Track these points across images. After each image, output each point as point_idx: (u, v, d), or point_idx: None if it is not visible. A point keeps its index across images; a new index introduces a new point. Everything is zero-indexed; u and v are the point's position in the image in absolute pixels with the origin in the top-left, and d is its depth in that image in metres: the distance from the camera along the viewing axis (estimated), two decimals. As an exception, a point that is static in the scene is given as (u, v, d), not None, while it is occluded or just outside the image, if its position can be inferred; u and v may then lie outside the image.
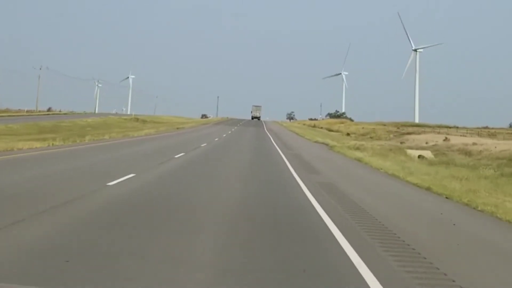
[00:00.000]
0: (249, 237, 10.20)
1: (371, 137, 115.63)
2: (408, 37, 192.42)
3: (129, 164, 23.85)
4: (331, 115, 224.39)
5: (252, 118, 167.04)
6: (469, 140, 69.81)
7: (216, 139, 54.39)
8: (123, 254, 8.27)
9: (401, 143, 78.38)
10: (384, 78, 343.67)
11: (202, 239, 9.74)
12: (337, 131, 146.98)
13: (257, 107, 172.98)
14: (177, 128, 78.75)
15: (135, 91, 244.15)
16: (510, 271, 9.56)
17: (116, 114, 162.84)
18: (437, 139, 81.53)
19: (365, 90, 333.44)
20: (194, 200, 14.69)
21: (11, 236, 9.07)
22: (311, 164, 32.22)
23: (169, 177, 20.24)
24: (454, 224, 13.68)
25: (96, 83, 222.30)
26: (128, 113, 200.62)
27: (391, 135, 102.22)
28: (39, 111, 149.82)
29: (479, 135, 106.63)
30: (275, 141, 58.02)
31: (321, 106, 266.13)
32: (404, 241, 10.70)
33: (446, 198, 19.23)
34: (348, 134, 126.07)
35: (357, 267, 8.44)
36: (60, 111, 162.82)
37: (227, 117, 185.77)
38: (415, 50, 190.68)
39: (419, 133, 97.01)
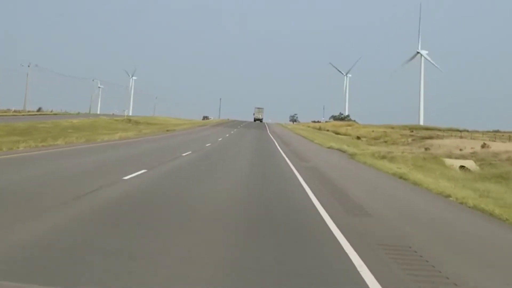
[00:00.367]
0: None
1: (385, 141, 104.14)
2: (419, 36, 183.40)
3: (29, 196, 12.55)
4: (335, 118, 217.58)
5: (255, 120, 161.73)
6: (509, 146, 58.64)
7: (208, 144, 43.02)
8: None
9: (426, 149, 67.05)
10: (386, 80, 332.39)
11: None
12: (344, 134, 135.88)
13: (260, 109, 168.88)
14: (167, 131, 67.39)
15: (136, 92, 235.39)
16: None
17: (113, 115, 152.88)
18: (467, 144, 70.26)
19: (367, 92, 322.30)
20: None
21: None
22: (340, 185, 20.81)
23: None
24: None
25: (98, 85, 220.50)
26: (130, 114, 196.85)
27: (409, 139, 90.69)
28: (28, 111, 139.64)
29: (500, 139, 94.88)
30: (281, 147, 46.94)
31: (324, 108, 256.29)
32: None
33: None
34: (358, 138, 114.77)
35: None
36: (51, 111, 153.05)
37: (228, 119, 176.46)
38: (419, 53, 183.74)
39: (441, 138, 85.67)
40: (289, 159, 33.76)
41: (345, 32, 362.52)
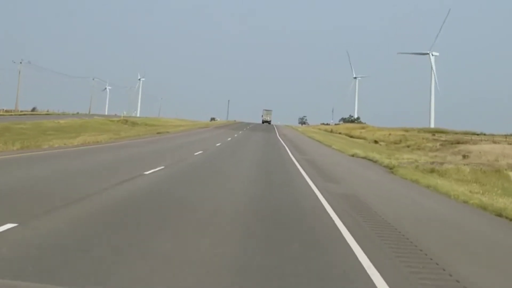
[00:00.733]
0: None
1: (407, 146, 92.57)
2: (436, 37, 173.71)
3: None
4: (344, 120, 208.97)
5: (263, 122, 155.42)
6: None
7: (198, 153, 31.78)
8: None
9: (464, 157, 55.88)
10: (393, 81, 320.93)
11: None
12: (358, 137, 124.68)
13: (268, 111, 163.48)
14: (158, 133, 56.41)
15: (144, 93, 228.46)
16: None
17: (115, 115, 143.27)
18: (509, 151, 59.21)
19: (375, 94, 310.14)
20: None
21: None
22: (422, 247, 9.95)
23: None
24: None
25: (107, 86, 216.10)
26: (138, 115, 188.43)
27: (438, 145, 79.29)
28: (21, 111, 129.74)
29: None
30: (294, 155, 36.13)
31: (333, 111, 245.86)
32: None
33: None
34: (376, 142, 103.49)
35: None
36: (47, 111, 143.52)
37: (234, 120, 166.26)
38: (428, 53, 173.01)
39: (474, 143, 74.46)
40: (308, 175, 22.87)
41: (357, 33, 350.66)
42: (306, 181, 20.90)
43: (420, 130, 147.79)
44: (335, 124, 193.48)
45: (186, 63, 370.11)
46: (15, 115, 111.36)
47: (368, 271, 7.96)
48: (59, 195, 12.67)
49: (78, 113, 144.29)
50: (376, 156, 41.55)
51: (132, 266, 7.39)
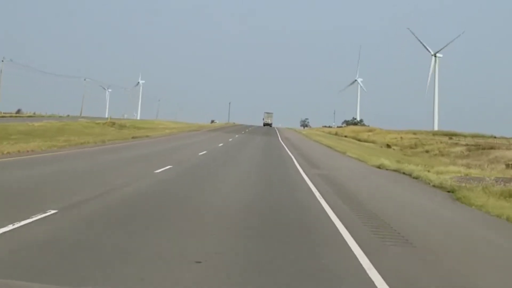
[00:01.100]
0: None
1: (426, 151, 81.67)
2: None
3: None
4: (347, 123, 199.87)
5: (264, 125, 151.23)
6: None
7: (163, 169, 20.84)
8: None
9: (508, 166, 45.21)
10: (395, 83, 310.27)
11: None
12: (366, 141, 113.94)
13: (269, 114, 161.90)
14: (133, 138, 45.51)
15: (144, 95, 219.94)
16: None
17: (109, 118, 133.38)
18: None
19: (376, 96, 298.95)
20: None
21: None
22: None
23: None
24: None
25: (106, 88, 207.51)
26: (138, 118, 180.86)
27: (462, 150, 68.24)
28: (3, 113, 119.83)
29: None
30: (303, 168, 25.61)
31: (334, 113, 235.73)
32: None
33: None
34: (389, 146, 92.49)
35: None
36: (34, 113, 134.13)
37: (234, 123, 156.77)
38: (435, 55, 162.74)
39: (507, 148, 63.74)
40: (337, 214, 12.32)
41: (358, 35, 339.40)
42: (338, 231, 10.30)
43: (430, 133, 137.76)
44: (338, 127, 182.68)
45: (186, 64, 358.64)
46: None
47: None
48: None
49: (68, 115, 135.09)
50: (412, 168, 30.82)
51: None
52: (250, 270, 7.61)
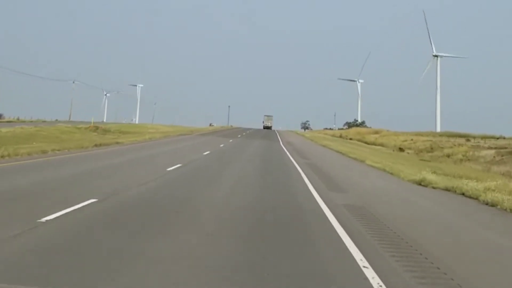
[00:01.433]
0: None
1: (447, 156, 72.14)
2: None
3: None
4: (349, 124, 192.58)
5: (264, 128, 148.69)
6: None
7: (81, 204, 11.94)
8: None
9: None
10: (396, 84, 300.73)
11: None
12: (374, 143, 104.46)
13: (269, 117, 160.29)
14: (96, 146, 35.71)
15: (142, 99, 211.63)
16: None
17: (92, 123, 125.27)
18: None
19: (378, 97, 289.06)
20: None
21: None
22: None
23: None
24: None
25: (105, 93, 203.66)
26: (137, 122, 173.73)
27: (494, 155, 58.41)
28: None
29: None
30: (318, 191, 16.32)
31: (335, 115, 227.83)
32: None
33: None
34: (401, 150, 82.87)
35: None
36: (17, 118, 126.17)
37: (231, 126, 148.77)
38: (436, 56, 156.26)
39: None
40: None
41: (361, 36, 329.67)
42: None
43: (437, 134, 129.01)
44: (339, 129, 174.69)
45: (185, 64, 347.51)
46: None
47: None
48: None
49: (57, 120, 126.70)
50: (469, 185, 21.28)
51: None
52: None
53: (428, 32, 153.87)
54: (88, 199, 12.71)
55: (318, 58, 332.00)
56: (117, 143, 39.98)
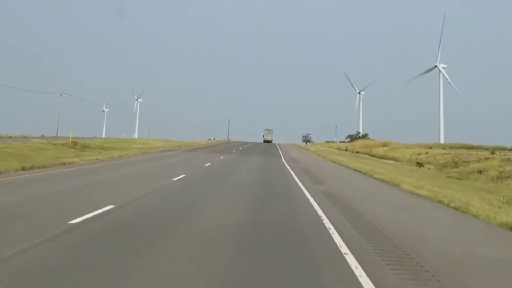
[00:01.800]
0: None
1: (479, 172, 61.73)
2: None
3: None
4: (351, 137, 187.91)
5: (264, 141, 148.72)
6: None
7: None
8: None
9: None
10: (399, 94, 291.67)
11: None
12: (383, 157, 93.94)
13: (269, 131, 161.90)
14: (23, 169, 25.21)
15: (141, 113, 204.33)
16: None
17: (70, 138, 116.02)
18: None
19: (379, 109, 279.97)
20: None
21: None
22: None
23: None
24: None
25: (104, 108, 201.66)
26: (136, 137, 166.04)
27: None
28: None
29: None
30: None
31: (336, 128, 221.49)
32: None
33: None
34: (420, 165, 72.27)
35: None
36: (6, 134, 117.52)
37: (229, 139, 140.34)
38: (436, 66, 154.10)
39: None
40: None
41: (355, 43, 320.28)
42: None
43: (445, 146, 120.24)
44: (341, 142, 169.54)
45: (184, 65, 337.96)
46: None
47: None
48: None
49: (42, 136, 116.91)
50: None
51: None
52: None
53: (440, 40, 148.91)
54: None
55: (320, 66, 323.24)
56: (68, 163, 29.49)
